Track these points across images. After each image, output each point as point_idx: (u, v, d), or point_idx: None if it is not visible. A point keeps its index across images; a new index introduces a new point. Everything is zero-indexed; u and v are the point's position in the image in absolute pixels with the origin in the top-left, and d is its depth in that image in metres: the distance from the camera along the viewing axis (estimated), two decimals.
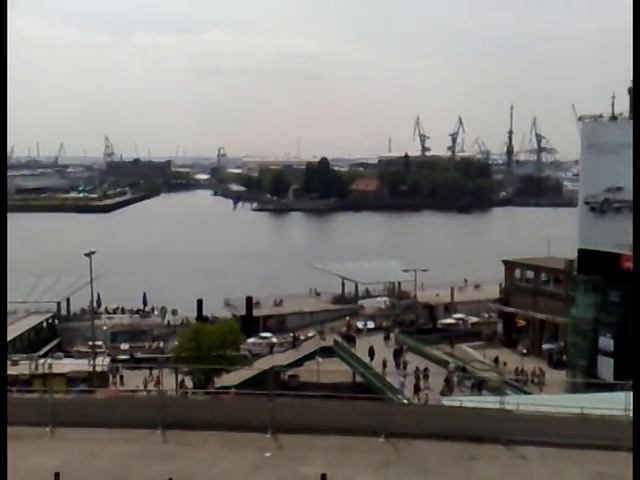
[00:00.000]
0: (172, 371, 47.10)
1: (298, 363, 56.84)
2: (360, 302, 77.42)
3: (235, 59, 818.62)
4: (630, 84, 51.52)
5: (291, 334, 64.85)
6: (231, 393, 38.97)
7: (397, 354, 54.36)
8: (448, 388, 47.37)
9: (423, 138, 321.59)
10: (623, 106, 52.04)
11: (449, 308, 74.40)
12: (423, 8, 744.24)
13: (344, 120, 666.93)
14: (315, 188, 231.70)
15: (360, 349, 57.67)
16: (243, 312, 71.40)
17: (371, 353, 54.06)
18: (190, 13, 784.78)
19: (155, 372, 49.67)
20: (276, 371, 43.53)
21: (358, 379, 52.78)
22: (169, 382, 43.82)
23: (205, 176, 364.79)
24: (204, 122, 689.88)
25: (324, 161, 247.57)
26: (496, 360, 53.83)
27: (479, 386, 46.76)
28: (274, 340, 64.91)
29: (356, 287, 78.54)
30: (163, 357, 56.71)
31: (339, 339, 60.41)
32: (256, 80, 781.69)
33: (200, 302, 71.29)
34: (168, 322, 71.59)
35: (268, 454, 13.84)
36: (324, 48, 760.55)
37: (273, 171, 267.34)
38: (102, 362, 52.89)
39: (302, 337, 64.61)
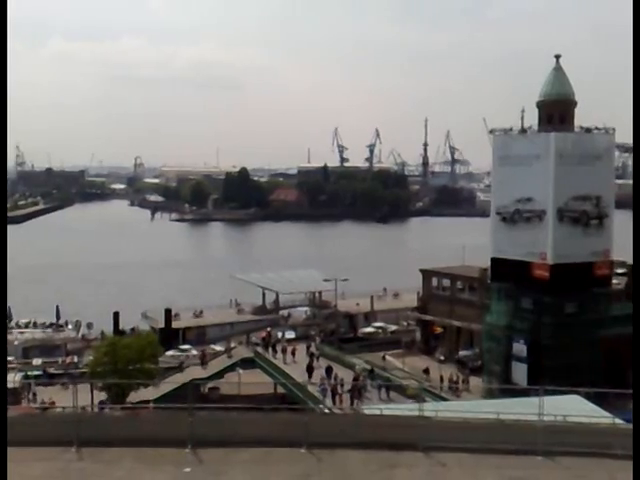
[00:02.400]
0: (72, 387, 45.69)
1: (219, 375, 56.25)
2: (281, 312, 77.35)
3: (152, 68, 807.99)
4: (539, 98, 53.59)
5: (202, 348, 63.47)
6: (149, 408, 38.21)
7: (329, 370, 51.11)
8: (356, 391, 47.24)
9: (341, 149, 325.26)
10: (532, 119, 54.13)
11: (369, 317, 75.25)
12: (343, 21, 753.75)
13: (263, 130, 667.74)
14: (235, 198, 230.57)
15: (282, 360, 57.53)
16: (162, 324, 70.17)
17: (309, 369, 51.38)
18: (104, 21, 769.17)
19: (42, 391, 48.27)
20: (196, 384, 42.87)
21: (280, 390, 52.64)
22: (84, 398, 42.58)
23: (121, 186, 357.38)
24: (120, 131, 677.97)
25: (244, 171, 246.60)
26: (426, 371, 53.78)
27: (387, 388, 46.98)
28: (194, 352, 64.05)
29: (277, 297, 78.42)
30: (78, 372, 55.04)
31: (260, 350, 60.15)
32: (173, 89, 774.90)
33: (116, 315, 69.65)
34: (82, 336, 69.53)
35: (187, 469, 13.56)
36: (243, 58, 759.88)
37: (192, 181, 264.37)
38: (14, 378, 50.93)
39: (223, 349, 64.02)
